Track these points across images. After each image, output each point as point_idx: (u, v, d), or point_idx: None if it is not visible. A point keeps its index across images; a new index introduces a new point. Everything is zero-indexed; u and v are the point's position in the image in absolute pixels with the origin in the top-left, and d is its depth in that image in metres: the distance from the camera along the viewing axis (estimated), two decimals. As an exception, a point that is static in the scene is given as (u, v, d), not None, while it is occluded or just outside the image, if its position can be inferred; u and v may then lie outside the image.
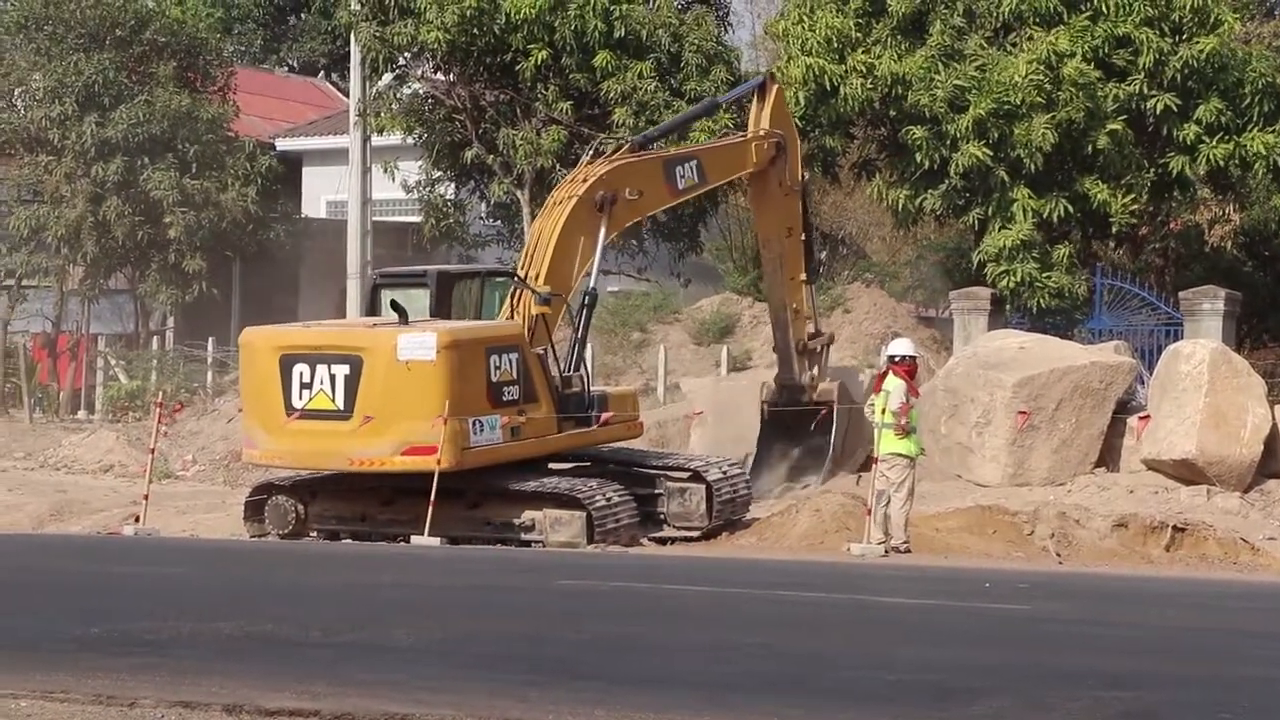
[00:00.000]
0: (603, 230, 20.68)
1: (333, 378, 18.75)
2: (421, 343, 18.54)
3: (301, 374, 18.88)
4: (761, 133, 23.18)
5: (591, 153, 21.66)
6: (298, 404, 18.89)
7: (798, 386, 23.93)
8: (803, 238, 23.98)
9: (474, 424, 18.75)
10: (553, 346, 20.10)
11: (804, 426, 23.69)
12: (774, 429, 23.99)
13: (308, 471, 20.17)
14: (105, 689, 9.00)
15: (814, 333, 24.36)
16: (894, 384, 19.25)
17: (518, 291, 20.05)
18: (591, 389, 20.90)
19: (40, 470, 29.90)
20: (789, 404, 23.93)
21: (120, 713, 8.60)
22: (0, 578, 14.81)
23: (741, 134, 24.14)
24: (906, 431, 19.15)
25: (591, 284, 20.81)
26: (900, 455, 19.03)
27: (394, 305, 19.34)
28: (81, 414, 36.85)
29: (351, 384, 18.67)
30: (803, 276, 24.04)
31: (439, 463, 18.45)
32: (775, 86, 23.85)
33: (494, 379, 19.04)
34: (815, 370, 24.20)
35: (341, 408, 18.71)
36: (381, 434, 18.57)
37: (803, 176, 24.28)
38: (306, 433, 18.89)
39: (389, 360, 18.59)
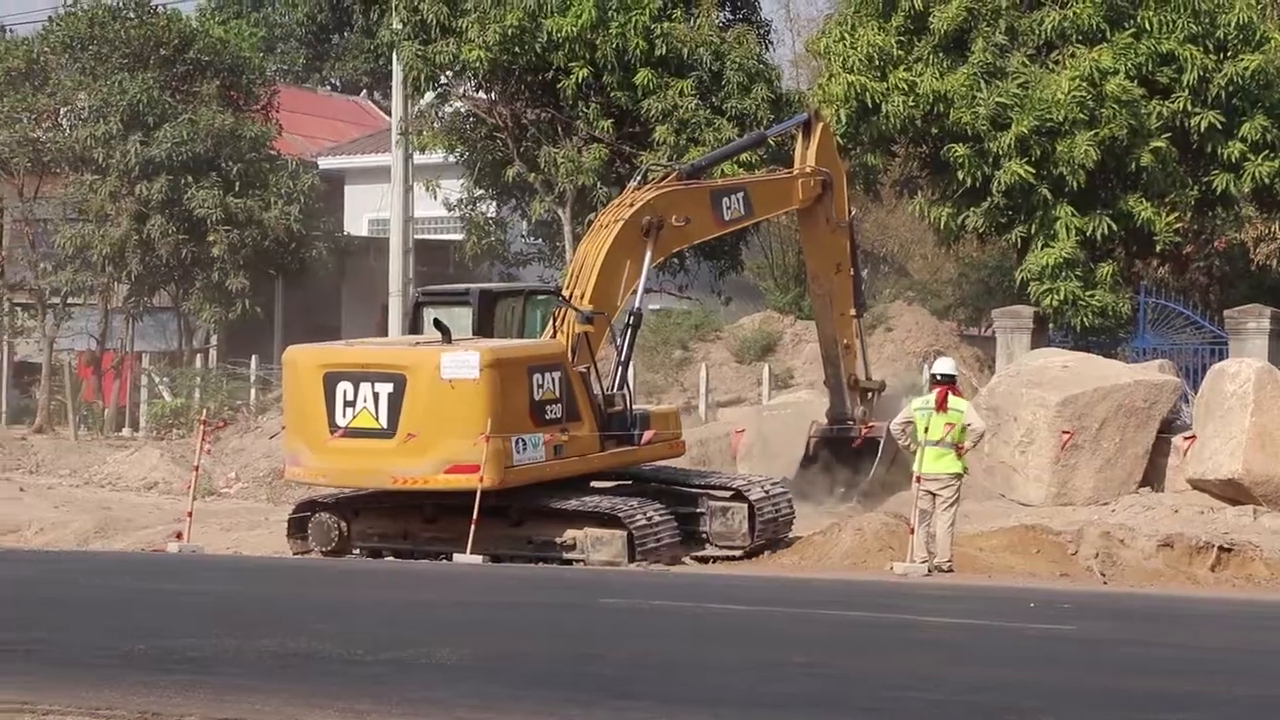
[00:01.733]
0: (649, 254, 20.71)
1: (376, 396, 18.78)
2: (465, 361, 18.56)
3: (345, 392, 18.91)
4: (808, 169, 23.19)
5: (640, 177, 21.65)
6: (341, 422, 18.93)
7: (849, 422, 23.89)
8: (851, 273, 24.01)
9: (517, 442, 18.76)
10: (595, 365, 20.09)
11: (847, 462, 23.59)
12: (815, 463, 23.90)
13: (350, 489, 20.22)
14: (150, 706, 9.03)
15: (867, 376, 24.43)
16: (964, 404, 19.16)
17: (561, 310, 20.07)
18: (634, 407, 20.89)
19: (85, 487, 30.06)
20: (838, 436, 23.83)
21: (165, 729, 8.63)
22: (46, 594, 14.88)
23: (787, 170, 24.17)
24: (960, 451, 19.07)
25: (636, 305, 20.82)
26: (957, 475, 18.94)
27: (437, 324, 19.38)
28: (126, 431, 37.03)
29: (395, 402, 18.69)
30: (852, 311, 24.07)
31: (481, 481, 18.48)
32: (821, 124, 23.83)
33: (537, 397, 19.04)
34: (864, 409, 24.17)
35: (385, 426, 18.73)
36: (424, 452, 18.59)
37: (850, 212, 24.26)
38: (350, 451, 18.92)
39: (432, 379, 18.62)
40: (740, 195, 22.25)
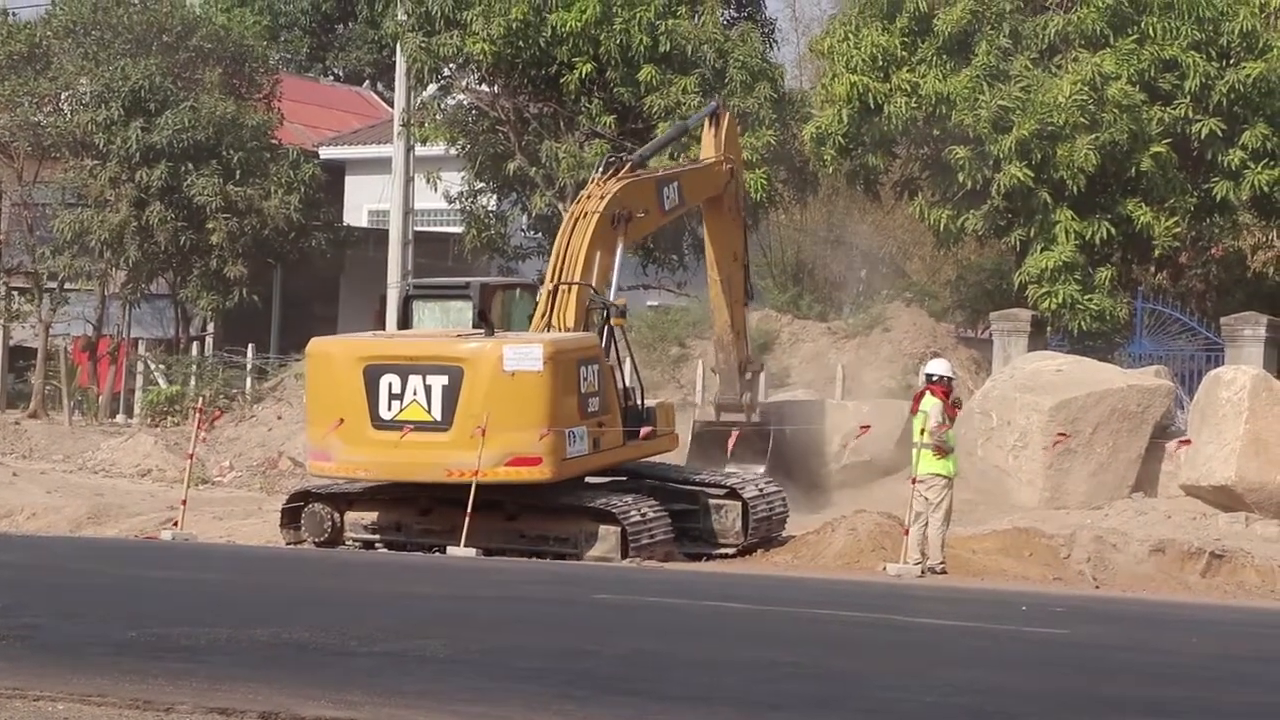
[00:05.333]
0: (620, 246, 20.89)
1: (428, 388, 18.76)
2: (528, 354, 18.63)
3: (390, 385, 18.87)
4: (721, 157, 23.41)
5: (601, 168, 21.77)
6: (386, 415, 18.87)
7: (737, 406, 24.10)
8: (745, 263, 24.42)
9: (569, 434, 18.85)
10: (619, 359, 20.28)
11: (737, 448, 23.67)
12: (700, 450, 23.95)
13: (389, 481, 20.02)
14: (142, 694, 9.03)
15: (749, 358, 24.75)
16: (931, 403, 19.24)
17: (551, 302, 20.10)
18: (645, 402, 21.11)
19: (78, 473, 30.04)
20: (728, 422, 23.94)
21: (156, 717, 8.63)
22: (38, 581, 14.88)
23: (705, 159, 24.38)
24: (945, 452, 19.11)
25: (611, 297, 20.88)
26: (939, 475, 18.99)
27: (482, 315, 19.41)
28: (120, 418, 37.01)
29: (450, 395, 18.67)
30: (743, 299, 24.39)
31: (543, 473, 18.56)
32: (727, 114, 24.21)
33: (583, 390, 19.19)
34: (751, 395, 24.52)
35: (439, 419, 18.71)
36: (484, 445, 18.56)
37: (742, 204, 24.64)
38: (397, 444, 18.85)
39: (494, 371, 18.63)
40: (675, 185, 22.42)
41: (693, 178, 23.18)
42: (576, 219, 20.72)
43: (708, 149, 23.79)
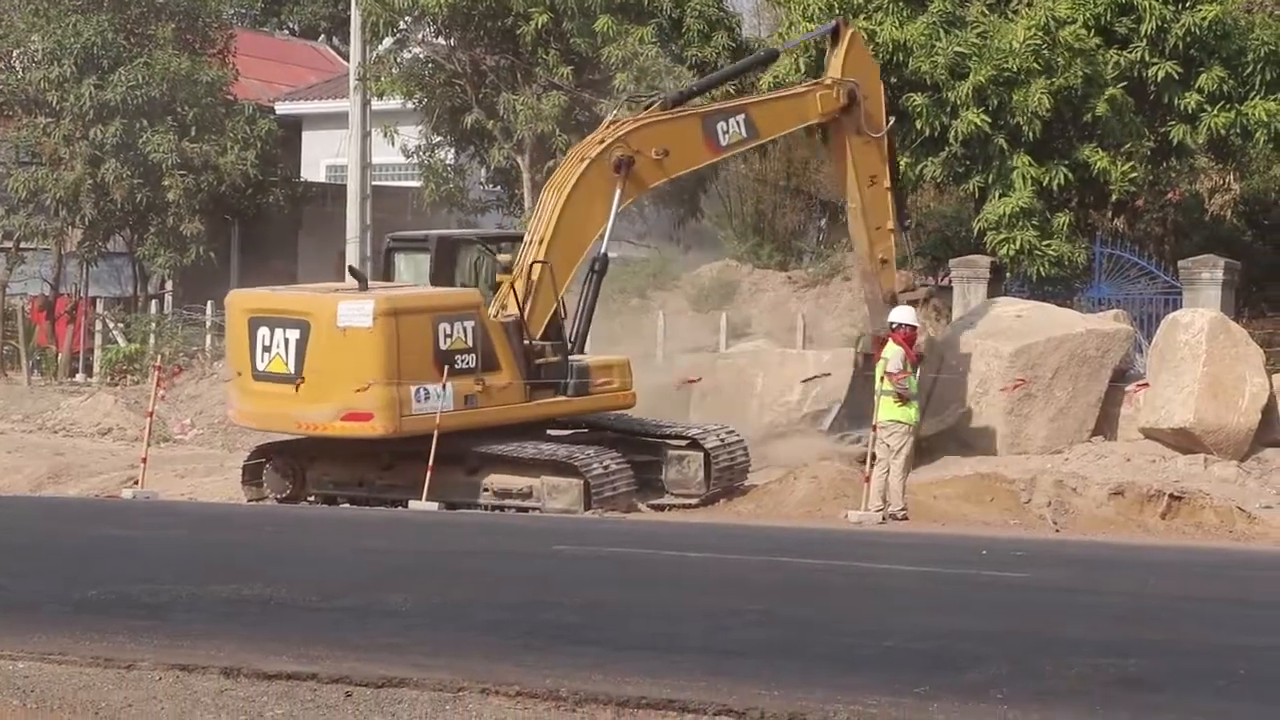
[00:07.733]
0: (618, 193, 20.39)
1: (286, 341, 18.97)
2: (359, 309, 18.69)
3: (264, 337, 19.13)
4: (829, 81, 22.58)
5: (616, 111, 21.35)
6: (260, 366, 19.18)
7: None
8: (887, 186, 23.25)
9: (418, 391, 18.78)
10: (523, 313, 19.86)
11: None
12: (863, 380, 23.56)
13: (256, 430, 20.59)
14: (103, 651, 9.03)
15: (908, 287, 24.04)
16: (892, 350, 19.33)
17: (519, 258, 20.03)
18: (573, 358, 20.56)
19: (38, 433, 29.92)
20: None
21: (118, 675, 8.63)
22: (-1, 540, 14.84)
23: (805, 84, 23.64)
24: (905, 399, 19.18)
25: (603, 249, 20.66)
26: (899, 422, 19.09)
27: (352, 270, 19.60)
28: (79, 377, 36.83)
29: (300, 348, 18.91)
30: (890, 225, 23.29)
31: (374, 429, 18.58)
32: (850, 31, 23.14)
33: (444, 346, 19.02)
34: None
35: (292, 371, 18.90)
36: (323, 399, 18.78)
37: (888, 122, 23.50)
38: (266, 395, 19.28)
39: (331, 326, 18.74)
40: (740, 118, 21.57)
41: (768, 108, 22.34)
42: (567, 165, 20.46)
43: (829, 69, 22.85)
